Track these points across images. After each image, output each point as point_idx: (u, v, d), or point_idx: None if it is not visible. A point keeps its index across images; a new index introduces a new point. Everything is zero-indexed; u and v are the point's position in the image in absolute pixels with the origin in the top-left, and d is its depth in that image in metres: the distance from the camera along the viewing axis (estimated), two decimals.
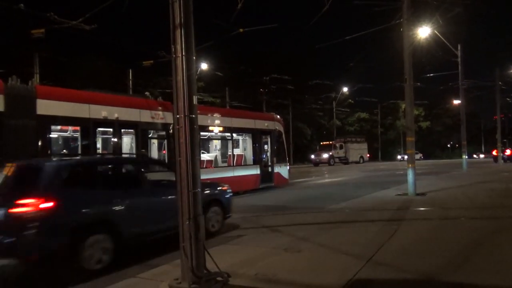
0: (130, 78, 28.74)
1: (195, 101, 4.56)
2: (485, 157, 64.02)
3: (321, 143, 52.07)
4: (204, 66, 31.33)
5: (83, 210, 5.84)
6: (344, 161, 49.24)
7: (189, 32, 4.52)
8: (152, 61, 19.15)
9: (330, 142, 50.42)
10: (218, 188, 8.47)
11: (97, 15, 10.92)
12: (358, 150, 51.92)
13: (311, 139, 61.09)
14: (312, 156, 48.78)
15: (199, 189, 4.56)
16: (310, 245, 6.66)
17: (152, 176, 7.31)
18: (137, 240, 6.59)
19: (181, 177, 4.49)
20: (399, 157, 61.07)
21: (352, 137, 53.77)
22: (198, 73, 31.81)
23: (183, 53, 4.48)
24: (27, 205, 5.26)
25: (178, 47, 4.49)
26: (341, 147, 49.62)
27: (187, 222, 4.45)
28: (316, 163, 46.50)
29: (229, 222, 8.68)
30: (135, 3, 10.70)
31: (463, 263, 5.46)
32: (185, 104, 4.44)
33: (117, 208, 6.24)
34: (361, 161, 51.49)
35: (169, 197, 6.72)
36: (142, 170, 7.22)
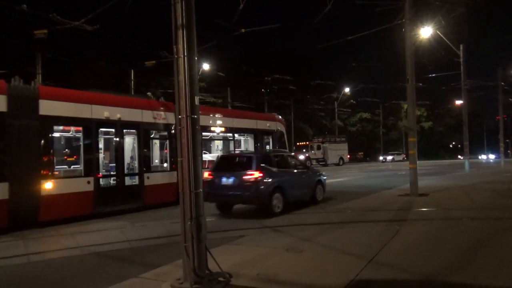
0: (132, 78, 28.78)
1: (197, 101, 4.56)
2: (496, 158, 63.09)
3: (297, 143, 48.76)
4: (206, 66, 31.34)
5: (272, 180, 10.54)
6: (322, 163, 45.88)
7: (191, 32, 4.53)
8: (154, 61, 19.17)
9: (307, 143, 47.63)
10: (320, 174, 13.24)
11: (99, 15, 10.97)
12: (338, 150, 48.26)
13: (312, 139, 61.05)
14: None
15: (201, 190, 4.57)
16: (312, 245, 6.66)
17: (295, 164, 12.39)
18: (290, 199, 11.06)
19: (183, 177, 4.50)
20: (381, 158, 59.99)
21: (330, 137, 50.35)
22: (200, 73, 31.83)
23: (185, 54, 4.48)
24: (252, 175, 10.20)
25: (180, 47, 4.50)
26: (318, 148, 46.42)
27: (189, 222, 4.45)
28: None
29: (326, 197, 13.38)
30: (137, 4, 10.72)
31: (465, 264, 5.45)
32: (187, 105, 4.45)
33: (283, 180, 11.01)
34: (341, 162, 48.14)
35: (303, 176, 12.18)
36: (293, 160, 12.65)
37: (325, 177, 13.42)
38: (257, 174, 10.21)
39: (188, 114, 4.44)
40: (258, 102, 43.49)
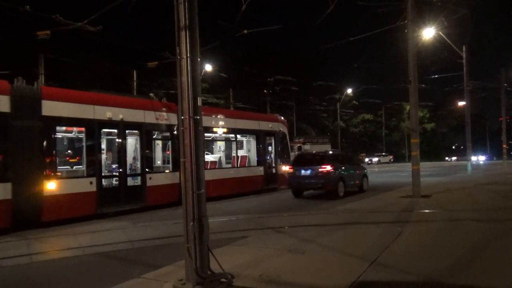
0: (135, 79, 28.82)
1: (199, 102, 4.57)
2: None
3: None
4: (208, 67, 31.36)
5: (338, 172, 14.31)
6: None
7: (193, 34, 4.54)
8: (156, 62, 19.21)
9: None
10: (366, 169, 17.23)
11: (102, 16, 10.98)
12: None
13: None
14: None
15: (204, 190, 4.57)
16: (314, 246, 6.65)
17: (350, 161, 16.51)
18: (348, 187, 14.86)
19: (186, 178, 4.50)
20: (366, 160, 57.85)
21: (312, 137, 47.02)
22: (202, 74, 31.82)
23: (188, 55, 4.49)
24: (325, 168, 13.94)
25: (183, 48, 4.51)
26: (299, 149, 42.93)
27: (192, 223, 4.46)
28: None
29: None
30: (140, 5, 10.76)
31: (468, 266, 5.43)
32: (190, 106, 4.45)
33: (345, 172, 14.80)
34: None
35: (356, 170, 16.05)
36: (349, 157, 17.11)
37: (367, 173, 17.38)
38: (328, 168, 14.13)
39: (191, 115, 4.44)
40: (260, 103, 43.49)
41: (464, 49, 25.20)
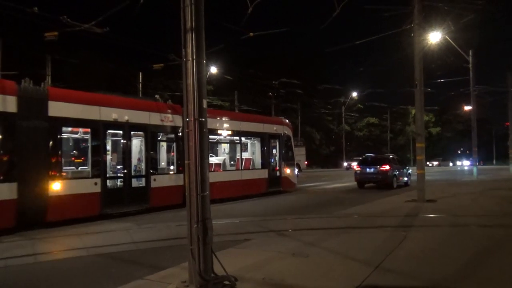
0: (140, 80, 28.95)
1: (205, 104, 4.57)
2: None
3: None
4: (213, 69, 31.44)
5: (393, 170, 19.94)
6: None
7: (200, 36, 4.55)
8: (162, 64, 19.29)
9: None
10: (410, 170, 22.60)
11: (109, 18, 11.06)
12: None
13: (320, 144, 60.87)
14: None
15: (208, 192, 4.57)
16: (318, 250, 6.63)
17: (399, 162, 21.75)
18: (399, 182, 20.58)
19: (190, 180, 4.50)
20: (345, 164, 55.70)
21: None
22: (207, 76, 31.86)
23: (194, 57, 4.50)
24: (385, 167, 19.83)
25: (189, 50, 4.51)
26: None
27: (195, 225, 4.45)
28: None
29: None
30: (146, 7, 10.81)
31: (473, 272, 5.39)
32: (195, 108, 4.46)
33: (397, 171, 20.51)
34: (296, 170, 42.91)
35: (403, 169, 21.77)
36: (399, 160, 22.22)
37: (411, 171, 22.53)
38: (387, 167, 19.81)
39: (196, 117, 4.44)
40: (265, 105, 43.46)
41: (470, 53, 25.08)
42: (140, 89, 28.90)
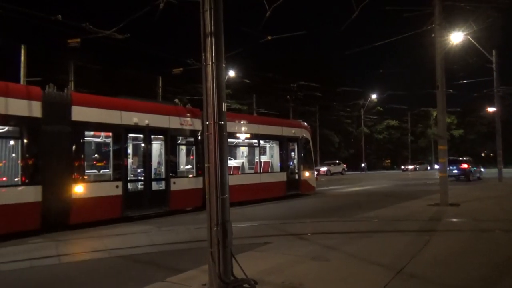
0: (160, 85, 29.34)
1: (224, 108, 4.60)
2: None
3: None
4: (231, 73, 31.61)
5: (470, 168, 29.60)
6: None
7: (219, 40, 4.59)
8: (181, 69, 19.48)
9: None
10: (480, 168, 32.86)
11: (130, 24, 11.27)
12: None
13: (338, 147, 60.36)
14: None
15: (227, 195, 4.58)
16: (338, 254, 6.56)
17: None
18: (473, 177, 29.55)
19: (210, 183, 4.53)
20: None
21: None
22: (226, 80, 32.03)
23: (213, 61, 4.53)
24: (464, 165, 28.95)
25: (209, 55, 4.56)
26: None
27: (215, 228, 4.47)
28: None
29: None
30: (166, 12, 10.97)
31: (498, 278, 5.23)
32: (215, 111, 4.49)
33: (472, 168, 30.08)
34: None
35: (478, 168, 31.96)
36: (474, 161, 31.30)
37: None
38: (466, 165, 28.45)
39: (215, 120, 4.48)
40: (283, 108, 43.43)
41: (494, 53, 24.47)
42: (160, 93, 29.29)
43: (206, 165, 4.59)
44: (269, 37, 14.11)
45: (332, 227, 9.52)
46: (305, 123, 19.97)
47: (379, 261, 6.00)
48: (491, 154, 67.82)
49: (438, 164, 14.61)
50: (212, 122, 4.50)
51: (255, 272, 5.23)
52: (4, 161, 9.39)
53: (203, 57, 4.58)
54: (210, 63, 4.54)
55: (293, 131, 17.91)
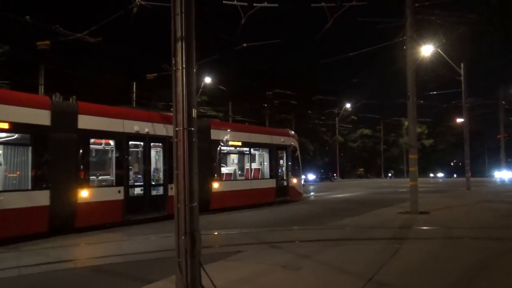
0: (134, 90, 28.87)
1: (194, 114, 4.49)
2: None
3: None
4: (207, 80, 31.46)
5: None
6: None
7: (190, 45, 4.49)
8: (156, 74, 19.31)
9: None
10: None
11: (103, 27, 11.06)
12: None
13: (313, 155, 60.86)
14: None
15: (196, 203, 4.47)
16: (311, 262, 6.52)
17: None
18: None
19: (178, 190, 4.40)
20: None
21: None
22: (201, 86, 31.85)
23: (184, 66, 4.44)
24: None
25: (179, 59, 4.45)
26: None
27: (183, 237, 4.34)
28: None
29: None
30: (140, 16, 10.82)
31: (467, 285, 5.30)
32: (184, 117, 4.39)
33: None
34: None
35: None
36: None
37: None
38: None
39: (185, 127, 4.37)
40: (260, 116, 43.47)
41: (462, 66, 25.33)
42: (134, 99, 28.80)
43: (175, 172, 4.47)
44: (245, 44, 14.23)
45: (307, 235, 9.54)
46: (293, 132, 20.46)
47: (350, 269, 6.00)
48: (460, 164, 70.04)
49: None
50: (181, 128, 4.39)
51: (225, 282, 5.13)
52: (14, 167, 9.66)
53: (173, 62, 4.48)
54: (180, 68, 4.44)
55: (282, 140, 18.41)
